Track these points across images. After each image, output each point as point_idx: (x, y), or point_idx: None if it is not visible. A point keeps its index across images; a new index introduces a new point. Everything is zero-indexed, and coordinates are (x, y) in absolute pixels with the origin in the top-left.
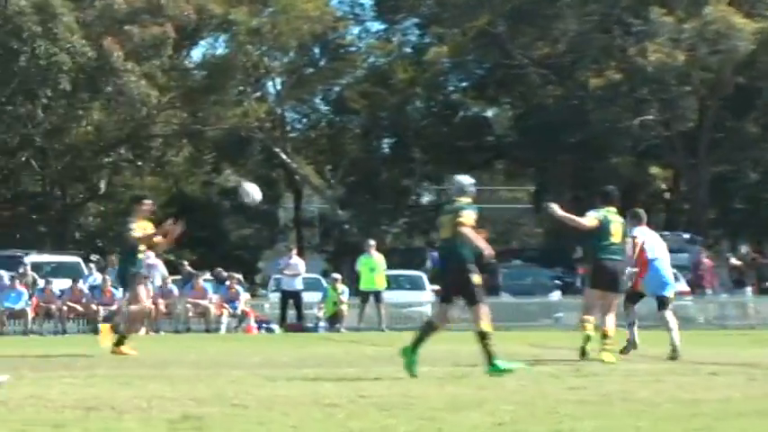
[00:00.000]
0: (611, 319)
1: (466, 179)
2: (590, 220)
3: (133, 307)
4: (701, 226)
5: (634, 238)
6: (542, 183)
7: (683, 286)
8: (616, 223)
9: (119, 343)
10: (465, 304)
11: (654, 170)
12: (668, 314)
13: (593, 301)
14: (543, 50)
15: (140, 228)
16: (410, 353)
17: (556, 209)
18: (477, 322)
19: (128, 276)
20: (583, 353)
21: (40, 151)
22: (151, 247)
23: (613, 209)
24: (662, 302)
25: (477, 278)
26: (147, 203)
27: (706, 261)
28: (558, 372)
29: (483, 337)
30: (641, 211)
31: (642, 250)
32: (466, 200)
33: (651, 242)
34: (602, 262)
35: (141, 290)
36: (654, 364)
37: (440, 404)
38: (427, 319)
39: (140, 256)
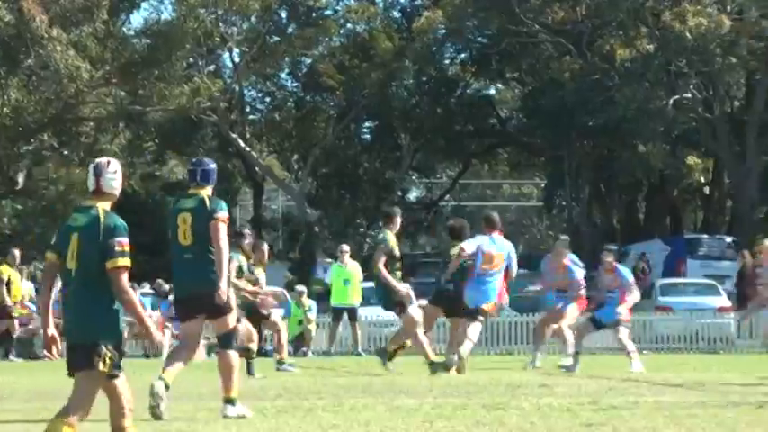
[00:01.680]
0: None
1: None
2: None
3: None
4: (748, 228)
5: (461, 248)
6: (555, 175)
7: (723, 300)
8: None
9: None
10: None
11: (691, 160)
12: (475, 326)
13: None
14: (558, 15)
15: None
16: None
17: None
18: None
19: None
20: None
21: None
22: None
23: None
24: (473, 314)
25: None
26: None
27: None
28: (573, 404)
29: None
30: (493, 216)
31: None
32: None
33: (490, 252)
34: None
35: None
36: (684, 396)
37: None
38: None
39: None
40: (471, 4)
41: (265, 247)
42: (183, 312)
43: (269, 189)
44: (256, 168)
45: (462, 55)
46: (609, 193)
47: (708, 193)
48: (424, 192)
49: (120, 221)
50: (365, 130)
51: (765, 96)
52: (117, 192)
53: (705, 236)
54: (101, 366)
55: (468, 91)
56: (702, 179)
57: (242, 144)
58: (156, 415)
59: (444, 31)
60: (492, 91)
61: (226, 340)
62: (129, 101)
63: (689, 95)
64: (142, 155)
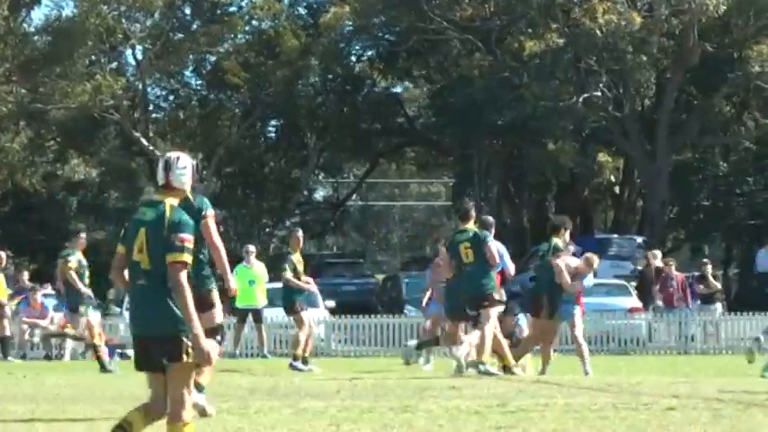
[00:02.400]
0: None
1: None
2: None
3: None
4: (659, 227)
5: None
6: (464, 174)
7: (634, 301)
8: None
9: None
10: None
11: (601, 158)
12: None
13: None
14: (467, 12)
15: None
16: None
17: None
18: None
19: None
20: None
21: None
22: None
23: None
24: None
25: None
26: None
27: (677, 274)
28: (481, 407)
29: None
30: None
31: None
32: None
33: None
34: None
35: None
36: (594, 398)
37: None
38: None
39: None
40: (379, 1)
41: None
42: None
43: None
44: None
45: (370, 52)
46: (518, 192)
47: (618, 192)
48: (331, 191)
49: (185, 217)
50: (270, 129)
51: (676, 95)
52: (187, 187)
53: (615, 236)
54: (185, 358)
55: (375, 89)
56: (613, 178)
57: (145, 143)
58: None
59: (351, 27)
60: (400, 89)
61: (212, 334)
62: (30, 99)
63: (599, 93)
64: (44, 154)
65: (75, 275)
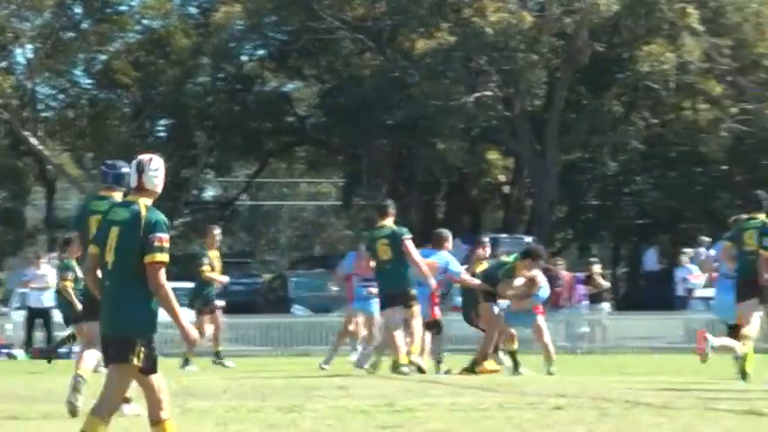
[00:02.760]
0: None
1: None
2: None
3: None
4: (548, 227)
5: None
6: (354, 174)
7: None
8: None
9: None
10: None
11: (491, 158)
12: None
13: None
14: (358, 11)
15: None
16: None
17: None
18: None
19: None
20: None
21: None
22: None
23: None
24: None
25: None
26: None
27: (565, 273)
28: (368, 407)
29: None
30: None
31: None
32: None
33: None
34: None
35: None
36: (481, 397)
37: None
38: None
39: None
40: (270, 0)
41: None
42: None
43: (62, 188)
44: (49, 167)
45: (260, 51)
46: (408, 191)
47: (508, 191)
48: (221, 190)
49: (161, 217)
50: (160, 128)
51: (566, 94)
52: (159, 189)
53: (504, 235)
54: (135, 361)
55: (265, 88)
56: (502, 178)
57: (34, 142)
58: (73, 411)
59: (242, 27)
60: (290, 88)
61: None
62: None
63: (489, 93)
64: None
65: None
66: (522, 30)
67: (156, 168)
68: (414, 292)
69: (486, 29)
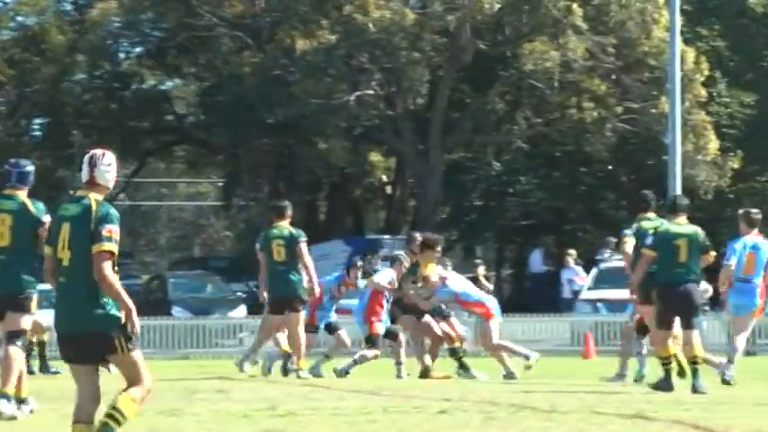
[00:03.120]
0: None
1: None
2: None
3: None
4: (431, 228)
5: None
6: (234, 173)
7: None
8: None
9: None
10: None
11: (374, 158)
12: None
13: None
14: (237, 8)
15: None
16: None
17: None
18: None
19: None
20: None
21: None
22: None
23: None
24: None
25: None
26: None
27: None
28: (250, 410)
29: None
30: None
31: None
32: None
33: None
34: None
35: None
36: (365, 401)
37: None
38: None
39: None
40: None
41: None
42: None
43: None
44: None
45: (138, 49)
46: (289, 191)
47: (390, 192)
48: None
49: (112, 210)
50: (36, 127)
51: (449, 93)
52: (111, 184)
53: (387, 236)
54: (120, 351)
55: (143, 86)
56: (385, 178)
57: None
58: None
59: (119, 23)
60: (169, 86)
61: (14, 336)
62: None
63: (371, 91)
64: None
65: None
66: (404, 27)
67: (109, 163)
68: (304, 296)
69: (369, 26)
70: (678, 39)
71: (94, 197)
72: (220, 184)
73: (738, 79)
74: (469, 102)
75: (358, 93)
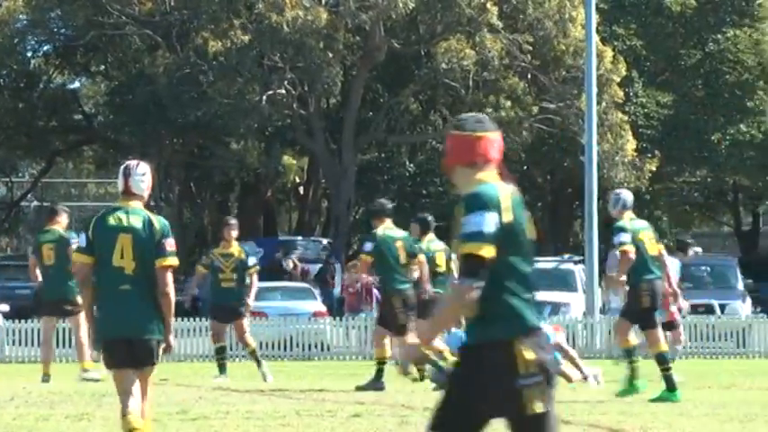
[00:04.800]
0: None
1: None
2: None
3: None
4: (345, 229)
5: None
6: None
7: (318, 305)
8: None
9: None
10: None
11: (286, 158)
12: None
13: None
14: (146, 6)
15: None
16: None
17: None
18: None
19: None
20: None
21: None
22: None
23: None
24: None
25: None
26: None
27: (363, 276)
28: (161, 414)
29: None
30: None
31: None
32: None
33: None
34: None
35: None
36: (278, 405)
37: None
38: None
39: None
40: None
41: None
42: None
43: None
44: None
45: (45, 47)
46: (200, 192)
47: (303, 192)
48: (5, 191)
49: (167, 223)
50: None
51: (362, 93)
52: (145, 194)
53: (300, 238)
54: (155, 361)
55: (51, 85)
56: (297, 178)
57: None
58: None
59: (26, 21)
60: (77, 85)
61: None
62: None
63: (283, 91)
64: None
65: None
66: (317, 27)
67: (143, 173)
68: (78, 299)
69: (283, 26)
70: (595, 37)
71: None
72: None
73: (655, 79)
74: (383, 101)
75: (270, 92)
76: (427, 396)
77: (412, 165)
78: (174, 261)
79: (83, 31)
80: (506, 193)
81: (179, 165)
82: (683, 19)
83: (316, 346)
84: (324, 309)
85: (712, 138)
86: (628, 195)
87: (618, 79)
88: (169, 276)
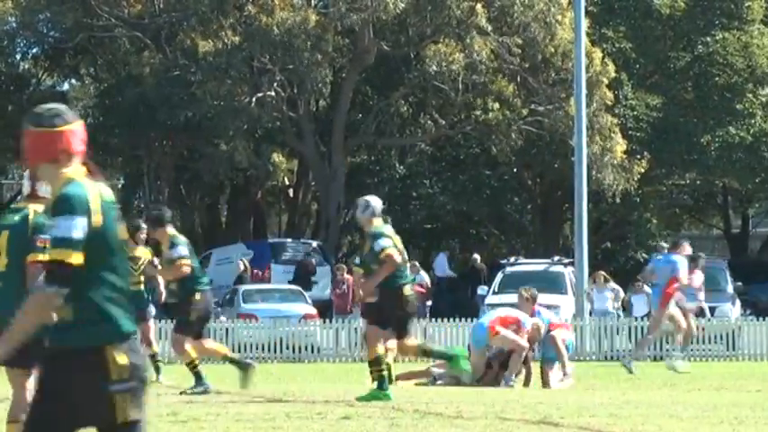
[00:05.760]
0: None
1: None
2: None
3: None
4: (335, 231)
5: None
6: (133, 176)
7: (308, 308)
8: None
9: None
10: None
11: (276, 160)
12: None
13: None
14: (135, 8)
15: None
16: None
17: None
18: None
19: None
20: None
21: None
22: None
23: None
24: None
25: None
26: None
27: (349, 277)
28: (151, 417)
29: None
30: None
31: None
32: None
33: None
34: None
35: None
36: (268, 408)
37: None
38: None
39: None
40: None
41: None
42: None
43: None
44: None
45: (35, 50)
46: (190, 194)
47: (292, 195)
48: None
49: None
50: None
51: (352, 95)
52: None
53: (289, 240)
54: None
55: (41, 87)
56: (287, 180)
57: None
58: None
59: (15, 24)
60: (66, 87)
61: None
62: None
63: (272, 93)
64: None
65: None
66: (307, 28)
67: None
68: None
69: (273, 27)
70: (584, 40)
71: (34, 208)
72: (120, 186)
73: (644, 81)
74: (373, 104)
75: (259, 94)
76: (418, 399)
77: (402, 167)
78: (41, 257)
79: (72, 34)
80: (95, 192)
81: (168, 167)
82: (673, 21)
83: (306, 349)
84: (314, 311)
85: (702, 140)
86: (377, 202)
87: (607, 81)
88: (35, 270)
